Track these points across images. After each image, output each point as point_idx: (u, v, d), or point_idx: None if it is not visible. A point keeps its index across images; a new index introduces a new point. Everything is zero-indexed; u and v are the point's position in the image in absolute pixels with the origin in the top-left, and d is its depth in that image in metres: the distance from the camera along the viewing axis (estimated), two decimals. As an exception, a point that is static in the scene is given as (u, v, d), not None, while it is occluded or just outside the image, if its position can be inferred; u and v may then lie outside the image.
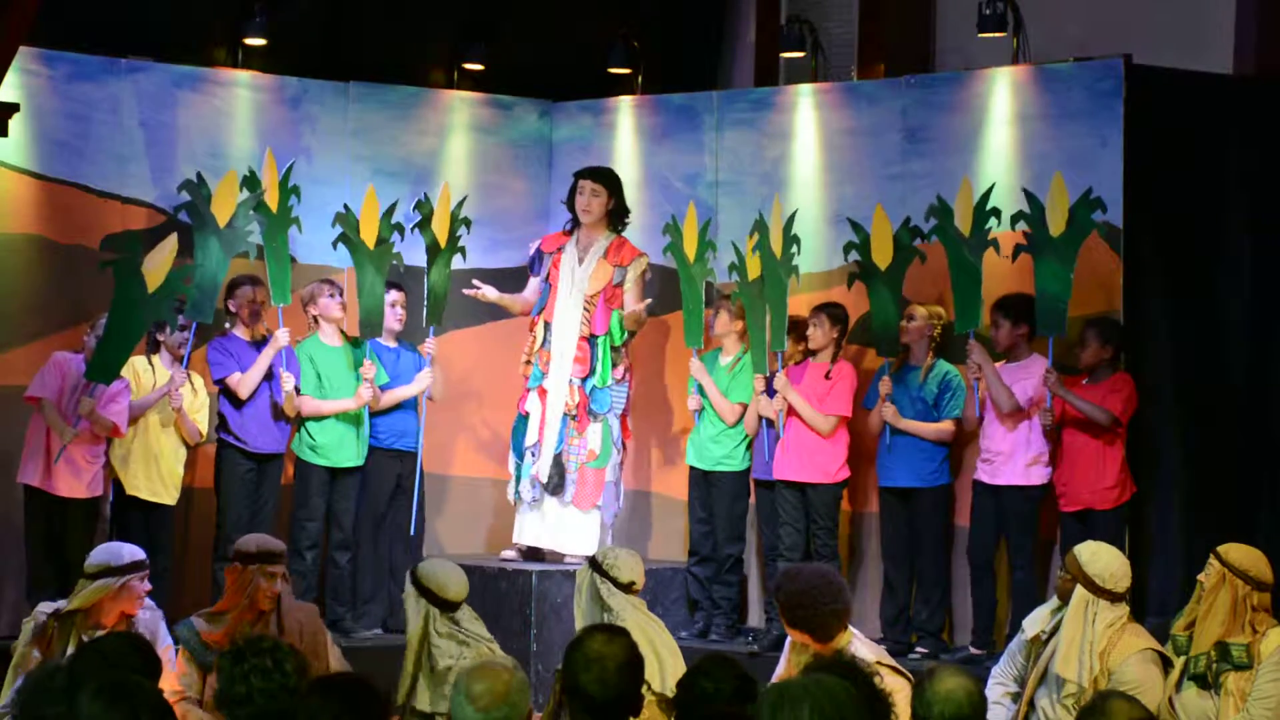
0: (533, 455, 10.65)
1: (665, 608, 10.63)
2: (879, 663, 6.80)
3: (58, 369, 9.67)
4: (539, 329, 10.71)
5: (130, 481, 9.84)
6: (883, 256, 10.06)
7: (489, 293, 10.70)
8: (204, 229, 10.07)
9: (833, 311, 10.26)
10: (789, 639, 7.31)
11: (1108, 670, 7.16)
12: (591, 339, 10.64)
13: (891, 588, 10.09)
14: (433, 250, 10.51)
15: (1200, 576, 7.55)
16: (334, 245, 10.42)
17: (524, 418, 10.72)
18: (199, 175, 10.18)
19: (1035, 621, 7.51)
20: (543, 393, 10.65)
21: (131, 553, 7.87)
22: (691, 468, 10.67)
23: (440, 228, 10.50)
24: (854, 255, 10.17)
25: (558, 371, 10.63)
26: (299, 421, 10.38)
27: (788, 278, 10.21)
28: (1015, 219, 9.69)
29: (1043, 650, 7.38)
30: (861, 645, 6.96)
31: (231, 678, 5.03)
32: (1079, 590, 7.24)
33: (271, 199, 10.21)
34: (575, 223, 10.77)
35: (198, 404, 10.06)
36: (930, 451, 10.00)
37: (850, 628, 7.05)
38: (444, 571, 7.69)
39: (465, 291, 10.63)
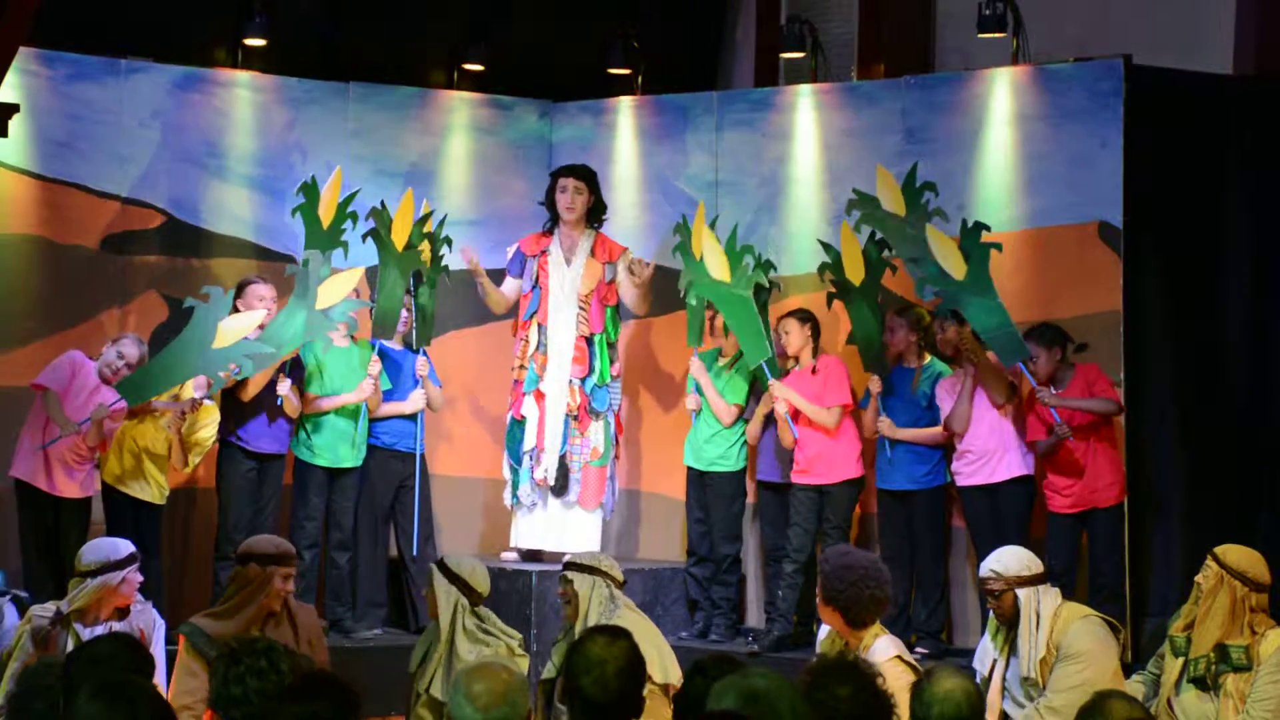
0: (531, 459, 10.64)
1: (665, 608, 10.63)
2: (898, 657, 6.84)
3: (71, 365, 9.65)
4: (532, 332, 10.68)
5: (111, 472, 9.80)
6: (856, 272, 10.06)
7: (479, 261, 10.61)
8: (301, 299, 9.93)
9: (799, 314, 10.25)
10: (820, 636, 7.30)
11: (1055, 645, 7.23)
12: (589, 338, 10.64)
13: (891, 588, 10.07)
14: (418, 273, 10.44)
15: (1198, 578, 7.57)
16: (363, 239, 10.37)
17: (518, 422, 10.71)
18: (306, 259, 10.04)
19: (984, 657, 7.58)
20: (539, 396, 10.64)
21: (126, 546, 7.89)
22: (689, 468, 10.67)
23: (402, 233, 10.40)
24: (828, 274, 10.17)
25: (556, 373, 10.62)
26: (299, 421, 10.37)
27: (748, 289, 10.16)
28: (920, 286, 9.71)
29: (993, 678, 7.45)
30: (888, 641, 6.96)
31: (226, 679, 5.02)
32: (1022, 593, 7.36)
33: (326, 214, 10.11)
34: (554, 222, 10.76)
35: (200, 436, 9.98)
36: (925, 455, 9.99)
37: (880, 624, 7.06)
38: (473, 564, 7.84)
39: (459, 252, 10.57)
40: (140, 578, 7.91)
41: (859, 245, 10.05)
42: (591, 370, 10.63)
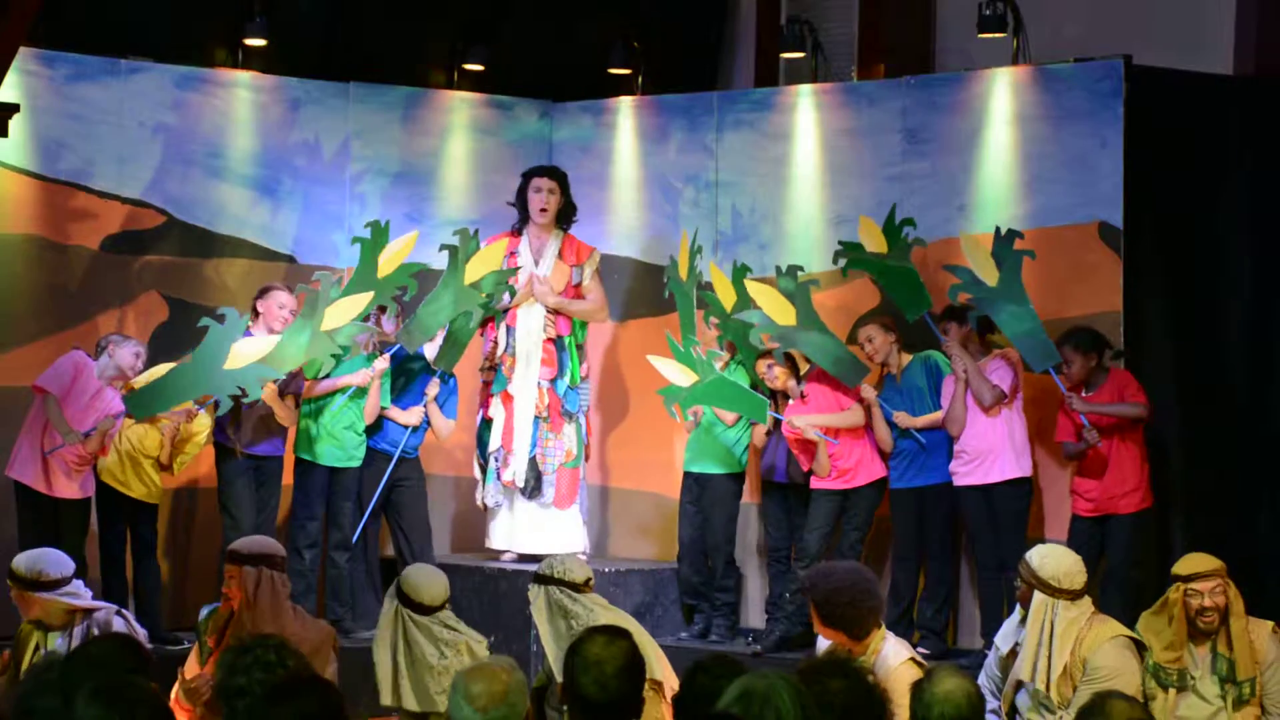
0: (497, 460, 10.63)
1: (664, 608, 10.63)
2: (911, 659, 6.81)
3: (73, 367, 9.61)
4: (501, 334, 10.66)
5: (108, 472, 9.79)
6: (785, 315, 10.07)
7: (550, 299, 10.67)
8: (307, 318, 9.90)
9: (769, 353, 10.22)
10: (821, 644, 7.26)
11: (1081, 660, 7.14)
12: (558, 340, 10.64)
13: (897, 588, 10.05)
14: (461, 294, 10.39)
15: (1208, 603, 7.42)
16: (440, 248, 10.34)
17: (487, 423, 10.70)
18: (318, 278, 10.08)
19: (1007, 637, 7.50)
20: (507, 398, 10.63)
21: (59, 566, 7.76)
22: (686, 472, 10.62)
23: (476, 269, 10.39)
24: (765, 336, 10.17)
25: (524, 375, 10.61)
26: (300, 419, 10.36)
27: (712, 371, 10.19)
28: (954, 291, 9.75)
29: (1015, 660, 7.38)
30: (895, 643, 6.94)
31: (233, 669, 5.03)
32: (1037, 596, 7.24)
33: (386, 266, 10.02)
34: (522, 222, 10.75)
35: (190, 444, 9.96)
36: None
37: (883, 626, 7.03)
38: (420, 577, 7.61)
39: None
40: (56, 597, 7.73)
41: (772, 289, 10.09)
42: (562, 372, 10.64)
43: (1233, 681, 7.40)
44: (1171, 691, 7.41)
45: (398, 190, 11.17)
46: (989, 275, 9.62)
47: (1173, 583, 7.51)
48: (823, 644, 7.25)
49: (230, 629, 7.37)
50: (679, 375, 10.26)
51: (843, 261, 10.07)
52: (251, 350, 9.73)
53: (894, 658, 6.78)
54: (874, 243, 9.99)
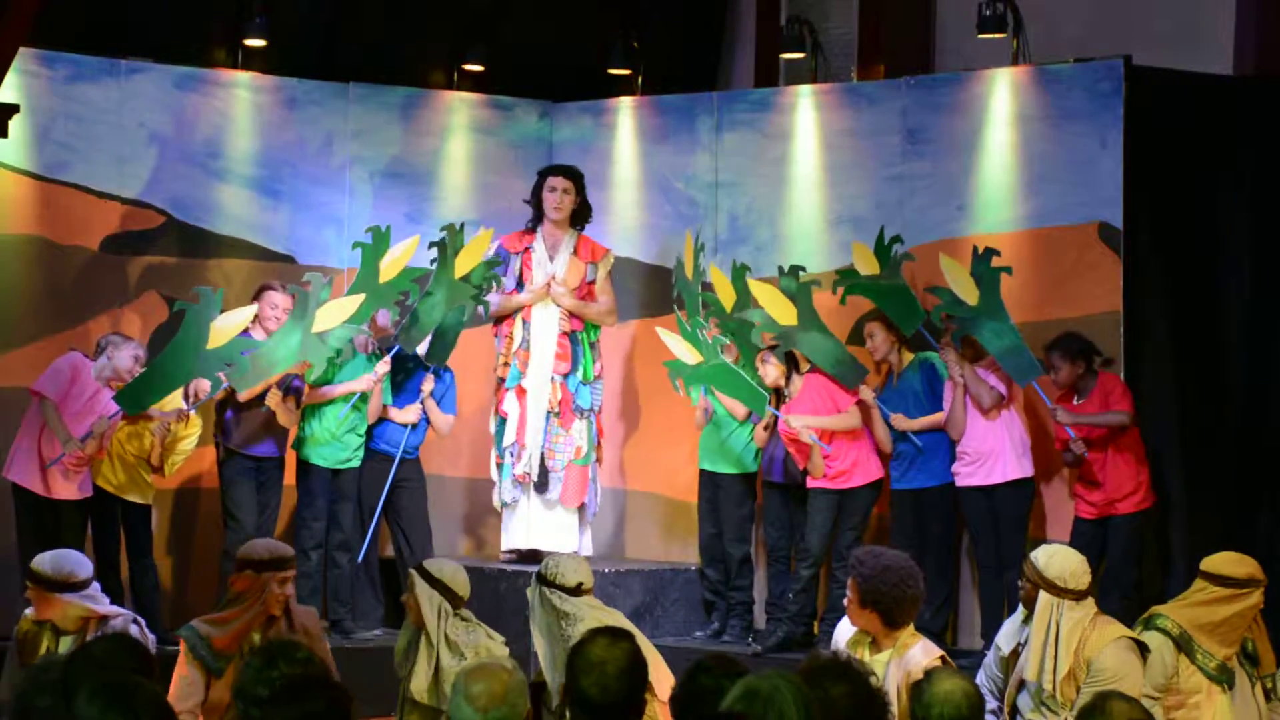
0: (512, 455, 10.64)
1: (665, 609, 10.62)
2: (941, 658, 6.78)
3: (71, 370, 9.60)
4: (517, 329, 10.66)
5: (104, 477, 9.79)
6: (787, 315, 10.09)
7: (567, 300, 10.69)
8: (298, 320, 9.94)
9: (770, 348, 10.25)
10: (839, 635, 7.23)
11: (1085, 662, 7.13)
12: (572, 335, 10.66)
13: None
14: (453, 289, 10.41)
15: (1248, 604, 7.44)
16: (429, 245, 10.37)
17: (504, 419, 10.70)
18: (308, 279, 10.13)
19: (1008, 637, 7.48)
20: (521, 392, 10.64)
21: (54, 563, 7.72)
22: (703, 471, 10.64)
23: (465, 263, 10.41)
24: (765, 335, 10.19)
25: (538, 370, 10.61)
26: (302, 419, 10.35)
27: (718, 356, 10.21)
28: (936, 312, 9.84)
29: (1017, 660, 7.37)
30: (926, 643, 6.90)
31: (257, 678, 5.00)
32: (1042, 595, 7.19)
33: (388, 272, 10.08)
34: (536, 220, 10.76)
35: (181, 447, 9.96)
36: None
37: (914, 628, 6.99)
38: (453, 567, 7.68)
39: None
40: (84, 599, 7.70)
41: (774, 289, 10.12)
42: (575, 367, 10.65)
43: (1255, 662, 7.43)
44: (1226, 689, 7.42)
45: (397, 191, 11.17)
46: (969, 295, 9.70)
47: (1236, 584, 7.42)
48: (842, 633, 7.19)
49: (272, 632, 7.37)
50: (685, 353, 10.29)
51: (840, 290, 10.12)
52: (231, 324, 9.72)
53: (924, 655, 6.76)
54: (867, 265, 10.07)
